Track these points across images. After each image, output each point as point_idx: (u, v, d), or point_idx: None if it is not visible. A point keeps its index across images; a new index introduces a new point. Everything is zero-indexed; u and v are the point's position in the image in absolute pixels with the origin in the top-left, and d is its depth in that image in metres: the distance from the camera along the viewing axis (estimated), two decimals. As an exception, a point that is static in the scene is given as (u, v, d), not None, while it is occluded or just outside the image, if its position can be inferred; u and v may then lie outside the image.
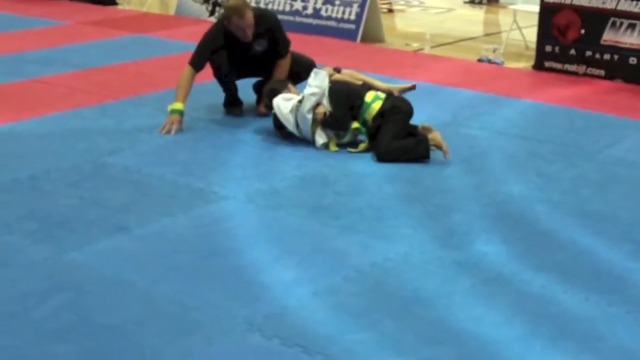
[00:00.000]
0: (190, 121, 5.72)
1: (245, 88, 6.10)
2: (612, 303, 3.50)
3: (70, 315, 3.33)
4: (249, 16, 5.56)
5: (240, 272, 3.70)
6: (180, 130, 5.55)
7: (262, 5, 9.26)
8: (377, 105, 5.26)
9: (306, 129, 5.30)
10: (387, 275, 3.71)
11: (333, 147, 5.30)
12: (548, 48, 7.55)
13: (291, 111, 5.28)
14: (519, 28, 8.61)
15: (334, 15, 8.98)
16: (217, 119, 5.93)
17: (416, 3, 11.80)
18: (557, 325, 3.32)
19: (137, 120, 5.84)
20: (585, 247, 4.01)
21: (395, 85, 5.87)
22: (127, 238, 4.02)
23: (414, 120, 5.35)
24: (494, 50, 8.23)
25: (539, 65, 7.64)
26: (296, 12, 9.21)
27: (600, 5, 7.25)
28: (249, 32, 5.61)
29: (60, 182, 4.70)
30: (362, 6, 8.79)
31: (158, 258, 3.83)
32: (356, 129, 5.31)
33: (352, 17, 8.85)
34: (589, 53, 7.34)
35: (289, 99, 5.35)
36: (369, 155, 5.23)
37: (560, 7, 7.44)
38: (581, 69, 7.40)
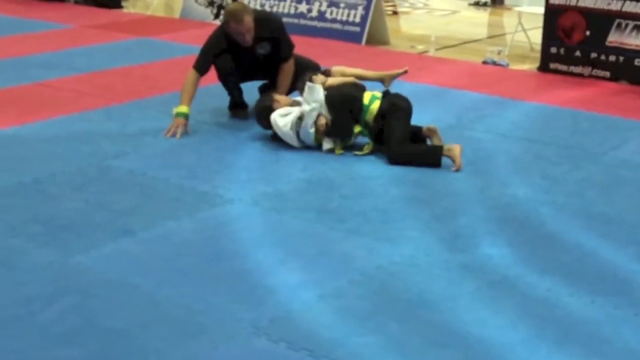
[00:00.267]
0: (195, 124, 5.73)
1: (250, 91, 6.10)
2: (618, 306, 3.49)
3: (75, 318, 3.33)
4: (248, 21, 5.55)
5: (245, 275, 3.70)
6: (185, 133, 5.56)
7: (267, 8, 9.26)
8: (375, 106, 5.25)
9: (310, 141, 5.29)
10: (392, 278, 3.71)
11: (338, 151, 5.30)
12: (553, 50, 7.55)
13: (291, 128, 5.25)
14: (524, 30, 8.60)
15: (338, 17, 8.99)
16: (222, 122, 5.94)
17: (421, 5, 11.80)
18: (563, 328, 3.31)
19: (142, 123, 5.85)
20: (591, 250, 4.00)
21: (386, 72, 5.81)
22: (132, 241, 4.02)
23: (419, 122, 5.34)
24: (499, 52, 8.24)
25: (544, 67, 7.63)
26: (301, 15, 9.21)
27: (606, 7, 7.24)
28: (248, 37, 5.61)
29: (66, 186, 4.71)
30: (367, 9, 8.80)
31: (163, 261, 3.83)
32: (359, 132, 5.31)
33: (357, 19, 8.85)
34: (594, 55, 7.33)
35: (286, 115, 5.28)
36: (374, 158, 5.23)
37: (565, 9, 7.43)
38: (586, 70, 7.39)
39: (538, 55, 7.78)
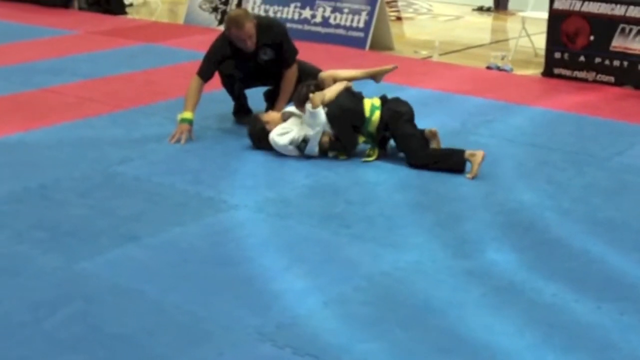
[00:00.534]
0: (199, 130, 5.73)
1: (255, 97, 6.11)
2: (624, 311, 3.48)
3: (80, 325, 3.33)
4: (249, 27, 5.55)
5: (250, 281, 3.70)
6: (189, 139, 5.56)
7: (271, 14, 9.28)
8: (376, 117, 5.23)
9: (315, 153, 5.28)
10: (397, 284, 3.71)
11: (342, 155, 5.30)
12: (557, 55, 7.54)
13: (290, 143, 5.25)
14: (528, 35, 8.60)
15: (342, 23, 8.99)
16: (227, 127, 5.94)
17: (425, 11, 11.80)
18: (569, 335, 3.31)
19: (147, 129, 5.86)
20: (596, 255, 3.99)
21: (376, 69, 5.67)
22: (137, 247, 4.03)
23: (422, 126, 5.33)
24: (503, 58, 8.23)
25: (548, 72, 7.63)
26: (305, 21, 9.22)
27: (609, 12, 7.24)
28: (250, 43, 5.60)
29: (71, 192, 4.71)
30: (370, 14, 8.80)
31: (168, 267, 3.83)
32: (363, 142, 5.32)
33: (361, 25, 8.85)
34: (598, 59, 7.33)
35: (284, 133, 5.27)
36: (379, 164, 5.23)
37: (569, 14, 7.43)
38: (590, 75, 7.38)
39: (542, 60, 7.77)
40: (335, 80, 5.41)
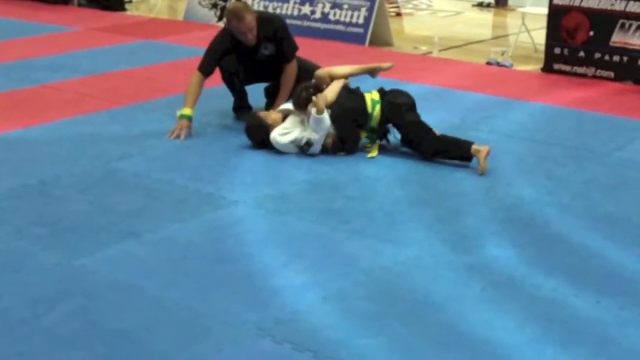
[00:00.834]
0: (199, 126, 5.73)
1: (255, 93, 6.11)
2: (623, 306, 3.48)
3: (80, 321, 3.33)
4: (249, 19, 5.55)
5: (250, 277, 3.70)
6: (189, 135, 5.56)
7: (270, 10, 9.27)
8: (377, 111, 5.23)
9: (315, 153, 5.29)
10: (397, 279, 3.71)
11: (341, 151, 5.30)
12: (557, 50, 7.54)
13: (294, 144, 5.25)
14: (528, 30, 8.59)
15: (342, 19, 8.99)
16: (227, 123, 5.94)
17: (424, 6, 11.79)
18: (569, 329, 3.31)
19: (147, 125, 5.86)
20: (596, 250, 3.99)
21: (372, 65, 5.65)
22: (137, 243, 4.03)
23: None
24: (503, 53, 8.22)
25: (548, 68, 7.62)
26: (304, 17, 9.22)
27: (609, 7, 7.23)
28: (250, 36, 5.61)
29: (70, 188, 4.71)
30: (370, 10, 8.79)
31: (168, 263, 3.83)
32: (365, 137, 5.33)
33: (360, 20, 8.85)
34: (598, 55, 7.32)
35: (285, 133, 5.26)
36: (379, 159, 5.23)
37: (569, 9, 7.42)
38: (590, 71, 7.38)
39: (542, 55, 7.76)
40: (331, 78, 5.40)
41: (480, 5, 11.66)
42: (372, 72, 5.67)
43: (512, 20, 10.40)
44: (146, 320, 3.34)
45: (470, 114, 6.23)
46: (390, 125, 5.29)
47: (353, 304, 3.48)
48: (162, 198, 4.60)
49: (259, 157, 5.26)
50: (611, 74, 7.27)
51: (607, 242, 4.08)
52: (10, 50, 8.29)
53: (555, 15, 7.53)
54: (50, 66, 7.59)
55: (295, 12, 9.24)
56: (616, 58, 7.24)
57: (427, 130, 5.19)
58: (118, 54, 8.22)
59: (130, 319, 3.35)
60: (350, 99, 5.31)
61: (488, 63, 8.02)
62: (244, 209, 4.46)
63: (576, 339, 3.23)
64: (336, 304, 3.48)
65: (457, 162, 5.12)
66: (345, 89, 5.36)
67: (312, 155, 5.26)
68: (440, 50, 8.62)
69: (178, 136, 5.53)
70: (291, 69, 5.82)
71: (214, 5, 9.97)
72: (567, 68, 7.49)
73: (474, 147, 5.05)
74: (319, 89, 5.30)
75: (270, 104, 5.96)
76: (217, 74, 5.86)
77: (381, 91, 5.35)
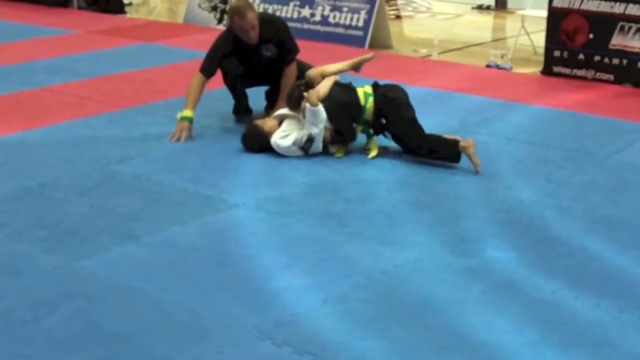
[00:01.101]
0: (199, 128, 5.74)
1: (255, 96, 6.11)
2: (623, 309, 3.48)
3: (80, 323, 3.33)
4: (251, 17, 5.56)
5: (250, 279, 3.70)
6: (189, 137, 5.57)
7: (270, 12, 9.27)
8: (371, 104, 5.27)
9: (318, 150, 5.31)
10: (397, 282, 3.71)
11: (339, 154, 5.31)
12: (556, 53, 7.55)
13: (293, 144, 5.25)
14: (527, 33, 8.60)
15: (342, 22, 9.00)
16: (227, 126, 5.94)
17: (424, 9, 11.80)
18: (568, 332, 3.31)
19: (147, 128, 5.86)
20: (596, 253, 4.00)
21: (355, 60, 5.64)
22: (137, 246, 4.03)
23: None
24: (502, 56, 8.23)
25: (547, 71, 7.63)
26: (304, 19, 9.23)
27: (609, 10, 7.24)
28: (252, 34, 5.61)
29: (70, 191, 4.72)
30: (370, 13, 8.80)
31: (168, 266, 3.83)
32: (361, 131, 5.35)
33: (360, 23, 8.86)
34: (597, 58, 7.33)
35: (285, 136, 5.28)
36: (378, 162, 5.23)
37: (569, 12, 7.43)
38: (590, 73, 7.38)
39: (541, 58, 7.77)
40: (323, 77, 5.45)
41: (480, 8, 11.67)
42: (357, 67, 5.68)
43: (511, 23, 10.41)
44: (146, 323, 3.34)
45: (470, 117, 6.24)
46: (383, 120, 5.31)
47: (353, 307, 3.48)
48: (162, 200, 4.61)
49: (259, 160, 5.27)
50: (611, 77, 7.28)
51: (606, 245, 4.08)
52: (10, 52, 8.30)
53: (555, 18, 7.54)
54: (50, 69, 7.60)
55: (295, 15, 9.25)
56: (616, 61, 7.25)
57: (419, 128, 5.21)
58: (118, 56, 8.23)
59: (130, 321, 3.35)
60: (343, 92, 5.35)
61: (488, 66, 8.03)
62: (244, 212, 4.46)
63: (576, 342, 3.24)
64: (336, 307, 3.48)
65: (451, 165, 5.12)
66: (337, 84, 5.41)
67: (310, 155, 5.26)
68: (439, 53, 8.63)
69: (178, 138, 5.53)
70: (291, 72, 5.82)
71: (214, 8, 9.98)
72: (566, 71, 7.50)
73: (461, 143, 5.08)
74: (310, 87, 5.35)
75: (270, 107, 5.97)
76: (218, 76, 5.87)
77: (374, 85, 5.40)
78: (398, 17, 10.86)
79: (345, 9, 8.99)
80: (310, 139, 5.22)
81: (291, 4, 9.36)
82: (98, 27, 9.81)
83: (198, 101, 5.66)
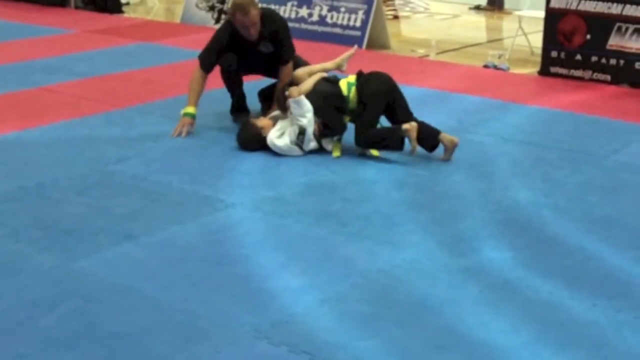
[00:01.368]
0: (197, 128, 5.74)
1: (253, 96, 6.11)
2: (619, 309, 3.49)
3: (77, 323, 3.33)
4: (254, 14, 5.57)
5: (247, 279, 3.71)
6: (190, 133, 5.58)
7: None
8: (353, 93, 5.33)
9: (313, 147, 5.32)
10: (394, 282, 3.71)
11: (335, 153, 5.32)
12: (554, 54, 7.56)
13: (291, 143, 5.27)
14: (525, 34, 8.61)
15: (339, 22, 9.00)
16: (224, 126, 5.94)
17: (421, 9, 11.81)
18: (565, 332, 3.32)
19: (144, 128, 5.86)
20: (592, 253, 4.01)
21: (339, 58, 5.71)
22: (134, 246, 4.03)
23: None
24: (500, 56, 8.24)
25: (544, 71, 7.64)
26: (302, 19, 9.23)
27: (606, 11, 7.25)
28: (253, 31, 5.62)
29: (68, 190, 4.72)
30: (367, 13, 8.81)
31: (166, 266, 3.84)
32: (350, 121, 5.39)
33: (358, 24, 8.86)
34: (594, 58, 7.34)
35: (281, 134, 5.31)
36: (375, 162, 5.24)
37: (566, 13, 7.44)
38: (587, 74, 7.40)
39: (539, 59, 7.78)
40: (310, 76, 5.52)
41: (477, 8, 11.68)
42: (341, 66, 5.69)
43: (509, 24, 10.42)
44: (144, 323, 3.35)
45: (467, 117, 6.25)
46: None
47: (350, 307, 3.49)
48: (160, 200, 4.61)
49: (257, 160, 5.27)
50: (608, 77, 7.29)
51: (603, 245, 4.09)
52: (7, 52, 8.29)
53: (552, 18, 7.55)
54: (48, 69, 7.59)
55: (293, 15, 9.25)
56: (613, 61, 7.26)
57: (368, 124, 5.27)
58: (115, 56, 8.23)
59: (128, 321, 3.35)
60: (326, 85, 5.43)
61: (485, 66, 8.04)
62: (241, 212, 4.47)
63: (572, 342, 3.24)
64: (333, 307, 3.48)
65: (449, 165, 5.14)
66: (322, 79, 5.48)
67: (308, 154, 5.28)
68: (437, 53, 8.64)
69: (180, 133, 5.55)
70: (287, 71, 5.82)
71: (212, 8, 9.98)
72: (563, 71, 7.51)
73: (404, 126, 5.18)
74: (292, 85, 5.45)
75: (266, 109, 5.97)
76: (216, 77, 5.87)
77: (358, 73, 5.45)
78: (395, 17, 10.87)
79: (342, 9, 8.99)
80: (301, 132, 5.23)
81: (289, 4, 9.36)
82: (95, 27, 9.81)
83: (200, 95, 5.69)
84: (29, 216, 4.36)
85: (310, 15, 9.21)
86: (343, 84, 5.38)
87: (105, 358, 3.11)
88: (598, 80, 7.33)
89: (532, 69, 7.90)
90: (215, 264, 3.86)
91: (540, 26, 7.80)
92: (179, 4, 10.99)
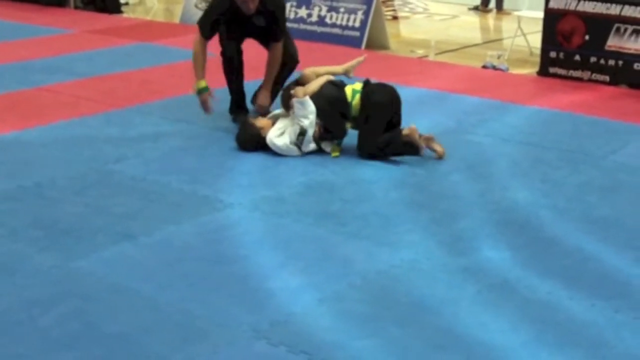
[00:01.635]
0: (196, 129, 5.74)
1: (252, 95, 6.12)
2: (618, 309, 3.49)
3: (76, 323, 3.33)
4: None
5: (246, 279, 3.71)
6: (211, 106, 5.68)
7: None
8: (357, 100, 5.33)
9: (312, 149, 5.32)
10: (393, 282, 3.72)
11: (334, 153, 5.32)
12: (552, 54, 7.56)
13: (291, 143, 5.27)
14: (524, 34, 8.62)
15: (338, 22, 9.00)
16: (223, 126, 5.94)
17: (420, 10, 11.82)
18: (563, 332, 3.32)
19: (143, 128, 5.86)
20: (591, 253, 4.01)
21: (347, 64, 5.72)
22: (133, 246, 4.03)
23: (419, 127, 5.33)
24: (499, 57, 8.25)
25: (543, 72, 7.65)
26: (301, 20, 9.23)
27: (605, 11, 7.26)
28: (252, 6, 5.64)
29: (66, 190, 4.72)
30: (366, 13, 8.81)
31: (164, 266, 3.84)
32: (351, 127, 5.40)
33: (357, 24, 8.86)
34: (593, 59, 7.35)
35: (280, 134, 5.32)
36: (374, 162, 5.24)
37: (565, 13, 7.45)
38: (586, 74, 7.40)
39: (537, 59, 7.79)
40: (317, 76, 5.52)
41: (476, 9, 11.68)
42: (348, 72, 5.71)
43: (508, 24, 10.42)
44: (142, 322, 3.35)
45: (466, 118, 6.25)
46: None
47: (349, 306, 3.49)
48: (159, 200, 4.61)
49: (255, 160, 5.27)
50: (606, 78, 7.30)
51: (601, 245, 4.09)
52: (6, 52, 8.29)
53: (551, 19, 7.55)
54: (47, 68, 7.59)
55: (292, 15, 9.25)
56: (611, 62, 7.27)
57: (376, 137, 5.26)
58: (114, 56, 8.23)
59: (126, 321, 3.35)
60: (331, 89, 5.42)
61: (484, 67, 8.04)
62: (240, 211, 4.47)
63: (571, 342, 3.25)
64: (332, 306, 3.48)
65: (447, 166, 5.14)
66: (328, 82, 5.47)
67: (307, 155, 5.28)
68: (436, 54, 8.64)
69: (209, 109, 5.67)
70: (277, 51, 5.89)
71: (211, 8, 9.96)
72: (562, 72, 7.52)
73: (404, 132, 5.21)
74: (302, 84, 5.44)
75: (257, 91, 6.02)
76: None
77: (365, 82, 5.44)
78: (395, 17, 10.87)
79: (342, 10, 8.99)
80: (302, 133, 5.23)
81: (288, 4, 9.35)
82: (94, 27, 9.80)
83: (205, 65, 5.68)
84: (28, 216, 4.36)
85: (309, 15, 9.21)
86: (348, 90, 5.37)
87: (103, 357, 3.11)
88: (597, 81, 7.33)
89: (531, 70, 7.91)
90: (213, 263, 3.86)
91: (539, 27, 7.80)
92: (178, 4, 11.00)
